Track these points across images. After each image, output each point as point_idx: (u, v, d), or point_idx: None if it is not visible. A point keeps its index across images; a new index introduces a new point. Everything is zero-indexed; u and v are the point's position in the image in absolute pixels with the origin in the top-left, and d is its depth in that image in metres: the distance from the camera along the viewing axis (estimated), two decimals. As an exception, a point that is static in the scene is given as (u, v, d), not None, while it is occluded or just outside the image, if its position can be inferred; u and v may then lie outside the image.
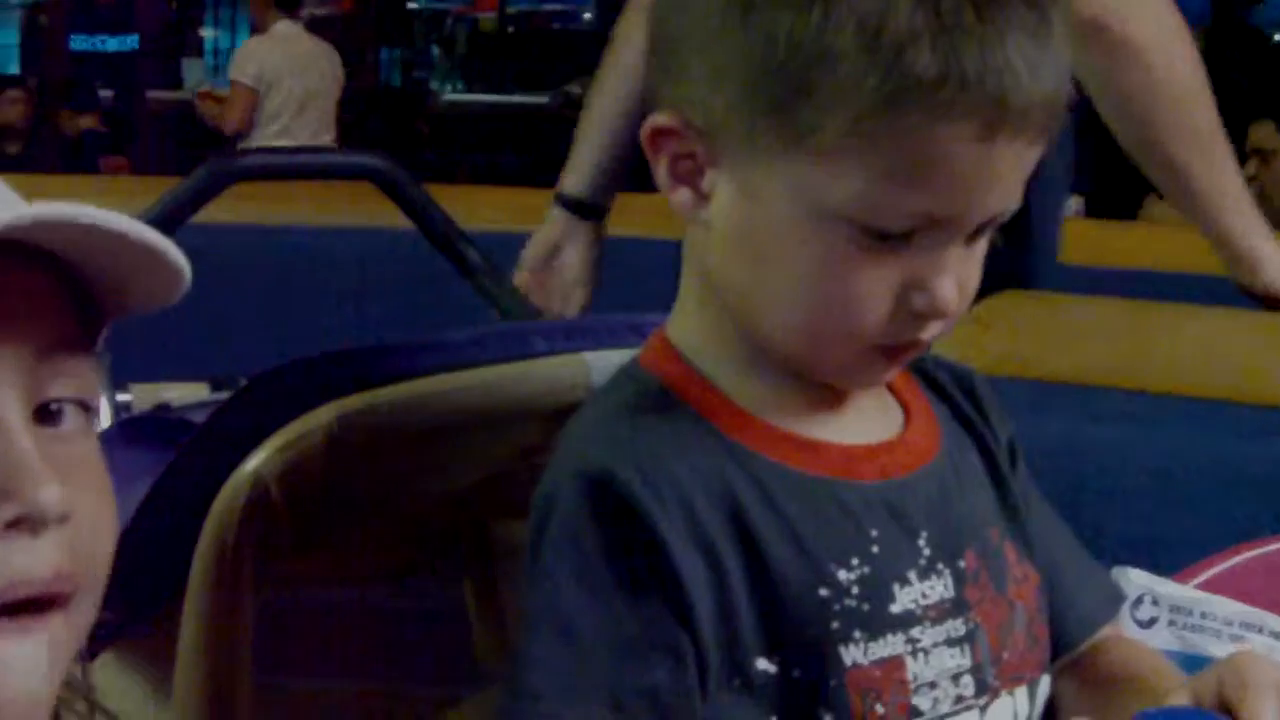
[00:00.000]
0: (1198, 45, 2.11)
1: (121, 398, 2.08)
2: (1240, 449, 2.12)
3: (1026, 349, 2.29)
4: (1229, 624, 1.49)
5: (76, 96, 9.61)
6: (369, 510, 1.36)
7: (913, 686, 1.04)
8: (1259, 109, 4.87)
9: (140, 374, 2.05)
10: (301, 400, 1.26)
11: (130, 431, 1.87)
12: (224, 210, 2.18)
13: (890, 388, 1.13)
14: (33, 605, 0.74)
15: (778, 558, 1.02)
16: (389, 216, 2.36)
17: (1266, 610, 1.49)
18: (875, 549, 1.05)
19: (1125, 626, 1.40)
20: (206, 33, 14.91)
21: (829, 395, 1.09)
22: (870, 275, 1.00)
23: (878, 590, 1.04)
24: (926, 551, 1.08)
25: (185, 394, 2.11)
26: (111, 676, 1.42)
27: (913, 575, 1.06)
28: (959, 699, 1.06)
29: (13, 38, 15.32)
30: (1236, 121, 2.86)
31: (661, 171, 1.06)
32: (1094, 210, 5.18)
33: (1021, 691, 1.11)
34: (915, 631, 1.05)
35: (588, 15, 15.45)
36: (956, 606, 1.07)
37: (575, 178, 2.33)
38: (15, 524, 0.72)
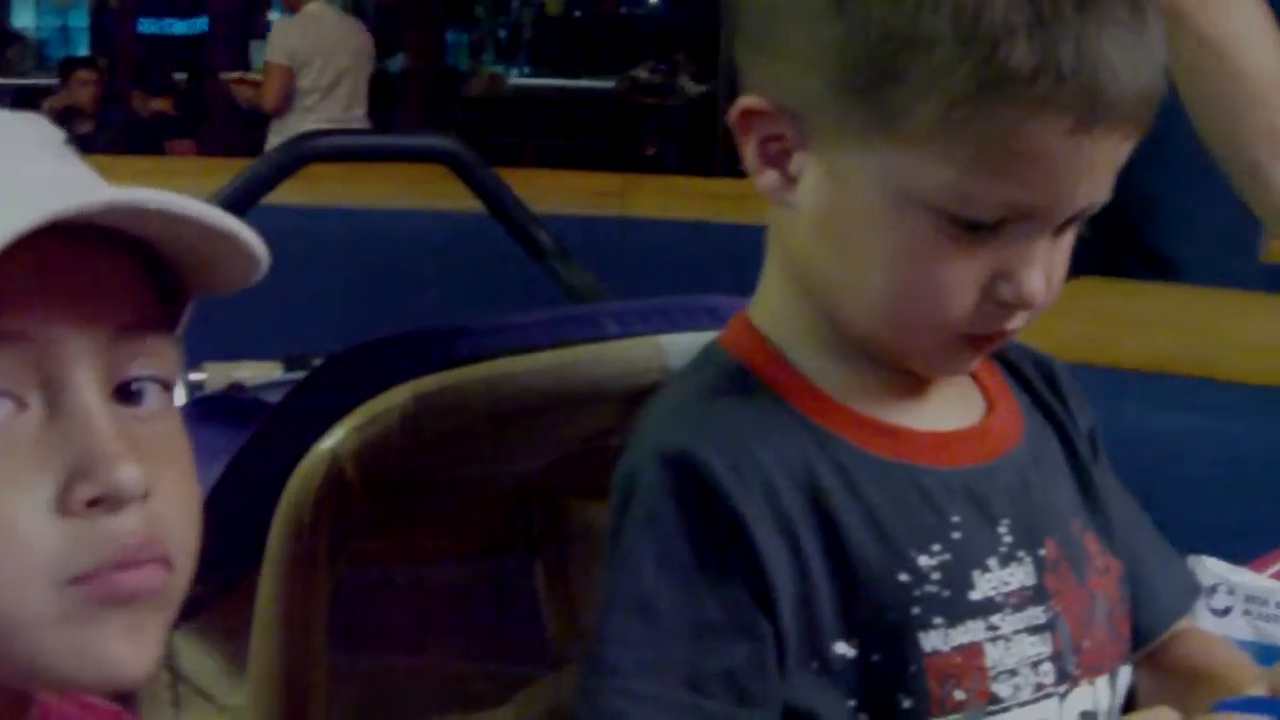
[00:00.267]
0: None
1: (195, 376, 2.09)
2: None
3: (1098, 334, 2.27)
4: (1304, 614, 1.47)
5: (149, 79, 9.67)
6: (442, 490, 1.37)
7: (992, 674, 1.03)
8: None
9: (214, 353, 2.06)
10: (378, 380, 1.26)
11: (204, 409, 1.88)
12: (298, 191, 2.19)
13: (973, 375, 1.12)
14: (131, 590, 0.74)
15: (858, 542, 1.02)
16: (458, 198, 2.37)
17: (1343, 601, 1.48)
18: (956, 535, 1.05)
19: (1200, 616, 1.39)
20: (274, 15, 14.99)
21: (912, 381, 1.08)
22: (957, 265, 0.99)
23: (958, 576, 1.04)
24: (1007, 539, 1.07)
25: (259, 373, 2.12)
26: (189, 650, 1.44)
27: (993, 562, 1.06)
28: (1039, 687, 1.06)
29: (83, 20, 15.45)
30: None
31: (749, 153, 1.05)
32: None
33: (1102, 681, 1.10)
34: (995, 618, 1.04)
35: (654, 0, 15.44)
36: (1037, 594, 1.07)
37: None
38: (95, 503, 0.73)
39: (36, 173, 0.77)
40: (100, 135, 8.15)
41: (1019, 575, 1.07)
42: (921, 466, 1.06)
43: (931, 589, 1.03)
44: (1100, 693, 1.10)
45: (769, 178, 1.05)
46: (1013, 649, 1.05)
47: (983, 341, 1.05)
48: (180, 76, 10.78)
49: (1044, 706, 1.06)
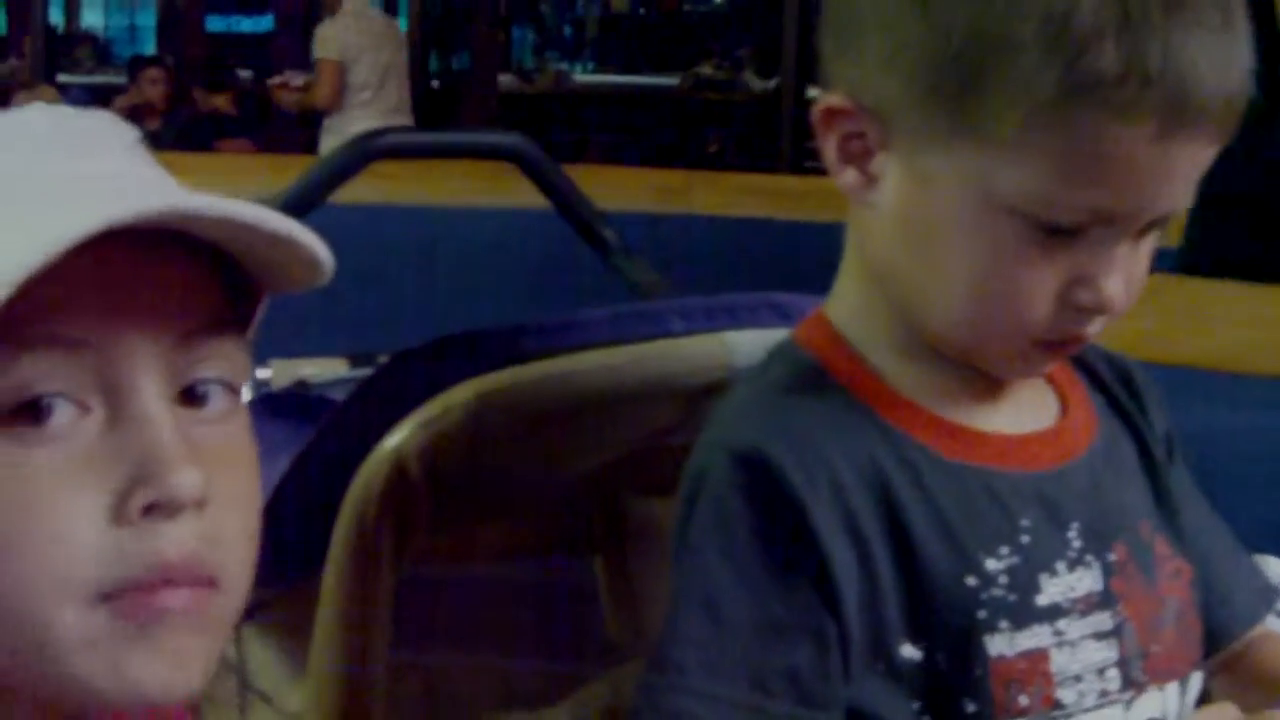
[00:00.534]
0: None
1: (260, 373, 2.10)
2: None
3: (1163, 332, 2.25)
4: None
5: (215, 76, 9.72)
6: (506, 487, 1.36)
7: (1057, 680, 1.02)
8: None
9: (279, 349, 2.07)
10: (441, 378, 1.26)
11: (271, 405, 1.89)
12: (364, 189, 2.19)
13: (1048, 377, 1.11)
14: (159, 611, 0.73)
15: (926, 544, 1.01)
16: (524, 195, 2.37)
17: None
18: (1025, 539, 1.04)
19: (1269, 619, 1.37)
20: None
21: (987, 383, 1.07)
22: (1038, 269, 0.98)
23: (1025, 581, 1.03)
24: (1077, 543, 1.06)
25: (324, 370, 2.13)
26: (252, 650, 1.44)
27: (1061, 567, 1.05)
28: (1103, 693, 1.04)
29: (150, 19, 15.57)
30: None
31: (830, 151, 1.04)
32: None
33: (1172, 688, 1.09)
34: (1062, 624, 1.03)
35: (718, -3, 15.44)
36: (1104, 599, 1.06)
37: None
38: (150, 510, 0.72)
39: (100, 170, 0.76)
40: (167, 133, 8.20)
41: (1086, 580, 1.05)
42: (993, 469, 1.05)
43: (999, 593, 1.02)
44: (1170, 699, 1.09)
45: (849, 176, 1.04)
46: (1078, 655, 1.04)
47: (1059, 346, 1.04)
48: (245, 74, 10.84)
49: (1108, 713, 1.05)
